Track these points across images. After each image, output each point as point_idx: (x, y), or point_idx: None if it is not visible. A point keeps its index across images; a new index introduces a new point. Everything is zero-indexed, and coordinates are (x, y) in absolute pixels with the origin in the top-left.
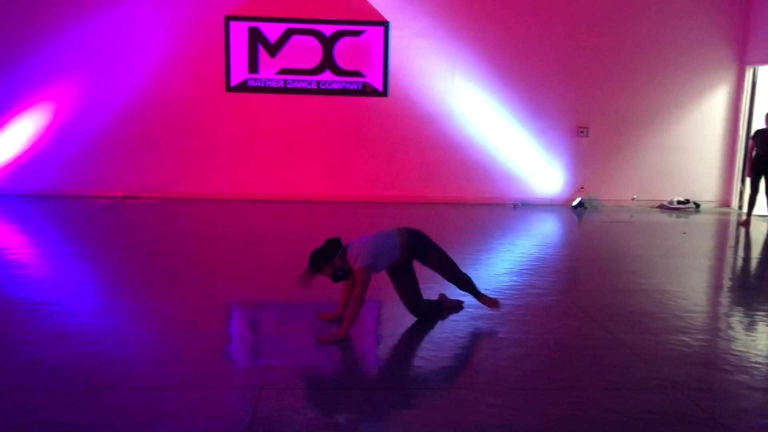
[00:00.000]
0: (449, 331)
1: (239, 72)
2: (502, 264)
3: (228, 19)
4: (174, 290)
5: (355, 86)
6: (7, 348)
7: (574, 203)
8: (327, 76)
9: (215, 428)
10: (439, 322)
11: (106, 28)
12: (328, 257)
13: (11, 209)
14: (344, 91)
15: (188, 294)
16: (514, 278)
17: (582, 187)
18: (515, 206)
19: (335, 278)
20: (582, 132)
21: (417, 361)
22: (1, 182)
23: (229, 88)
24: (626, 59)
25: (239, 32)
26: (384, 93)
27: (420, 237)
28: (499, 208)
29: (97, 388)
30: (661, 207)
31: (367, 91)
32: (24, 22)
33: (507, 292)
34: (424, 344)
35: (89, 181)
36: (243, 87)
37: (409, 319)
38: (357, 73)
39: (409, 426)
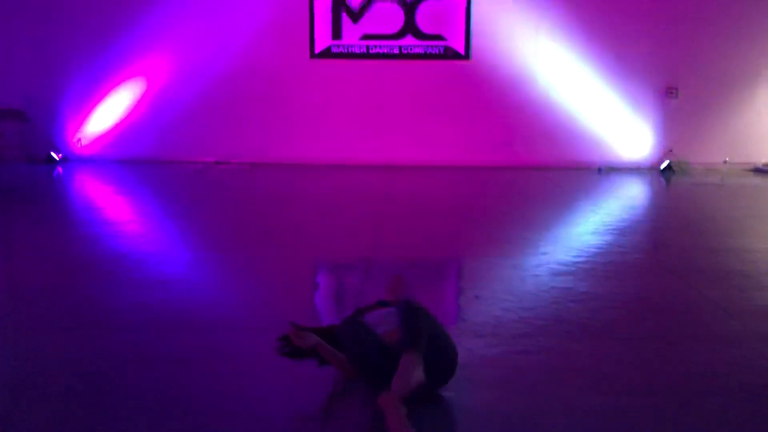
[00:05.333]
0: (529, 284)
1: (323, 39)
2: (587, 225)
3: None
4: (264, 246)
5: (436, 50)
6: (116, 293)
7: (662, 167)
8: (409, 40)
9: (307, 365)
10: (519, 277)
11: (197, 0)
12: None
13: (112, 174)
14: (426, 56)
15: (278, 250)
16: (599, 238)
17: (670, 150)
18: (600, 170)
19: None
20: (671, 93)
21: (497, 312)
22: (102, 149)
23: (314, 55)
24: (718, 16)
25: (323, 0)
26: (466, 56)
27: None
28: (583, 173)
29: (199, 328)
30: (755, 170)
31: (449, 55)
32: None
33: (591, 250)
34: (503, 296)
35: (183, 148)
36: (327, 54)
37: (487, 275)
38: (439, 37)
39: (492, 369)
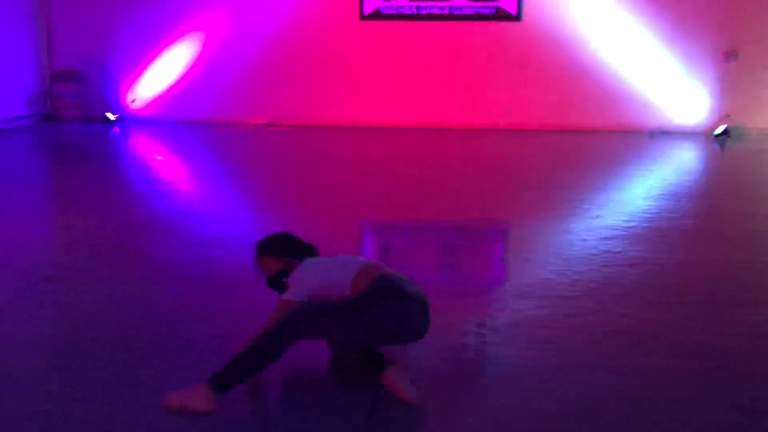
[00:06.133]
0: (579, 248)
1: (373, 0)
2: (638, 189)
3: None
4: (315, 207)
5: (488, 11)
6: (175, 249)
7: (717, 132)
8: (459, 1)
9: None
10: (569, 241)
11: None
12: (270, 250)
13: (166, 134)
14: (477, 17)
15: (327, 210)
16: (650, 202)
17: (727, 115)
18: (652, 135)
19: (268, 282)
20: (731, 55)
21: (547, 274)
22: (155, 110)
23: (363, 17)
24: None
25: None
26: (518, 17)
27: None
28: (635, 137)
29: (255, 284)
30: None
31: (500, 15)
32: None
33: (642, 215)
34: (553, 259)
35: (234, 109)
36: (376, 15)
37: (537, 238)
38: None
39: (540, 329)
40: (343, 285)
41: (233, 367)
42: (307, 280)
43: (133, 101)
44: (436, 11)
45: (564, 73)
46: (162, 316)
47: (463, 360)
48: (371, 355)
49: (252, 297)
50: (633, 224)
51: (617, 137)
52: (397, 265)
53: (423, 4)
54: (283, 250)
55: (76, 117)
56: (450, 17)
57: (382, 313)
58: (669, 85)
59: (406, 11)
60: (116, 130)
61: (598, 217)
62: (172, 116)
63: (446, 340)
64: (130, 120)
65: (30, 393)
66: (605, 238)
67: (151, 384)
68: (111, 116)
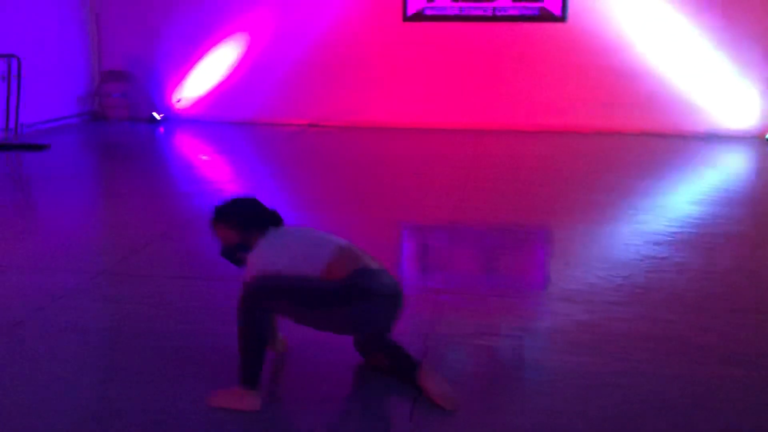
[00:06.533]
0: (624, 252)
1: (416, 1)
2: (686, 194)
3: None
4: (356, 207)
5: (532, 12)
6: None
7: None
8: (503, 2)
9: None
10: (614, 245)
11: None
12: (226, 218)
13: (211, 134)
14: (521, 18)
15: (369, 211)
16: (698, 208)
17: None
18: (702, 138)
19: (222, 251)
20: None
21: (592, 278)
22: (200, 110)
23: (406, 18)
24: None
25: None
26: (562, 18)
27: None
28: (684, 140)
29: None
30: None
31: (544, 16)
32: None
33: (689, 220)
34: (598, 263)
35: (277, 110)
36: (419, 17)
37: (582, 242)
38: None
39: (585, 334)
40: (314, 268)
41: (242, 361)
42: (270, 258)
43: (178, 101)
44: (479, 12)
45: (610, 74)
46: (205, 312)
47: (504, 363)
48: (399, 357)
49: None
50: (680, 230)
51: (664, 140)
52: (439, 266)
53: (466, 5)
54: (244, 222)
55: (123, 116)
56: (494, 18)
57: (354, 311)
58: (719, 88)
59: (449, 12)
60: (161, 129)
61: (643, 222)
62: (217, 116)
63: (487, 343)
64: (175, 120)
65: (75, 385)
66: (651, 243)
67: (194, 380)
68: (157, 116)
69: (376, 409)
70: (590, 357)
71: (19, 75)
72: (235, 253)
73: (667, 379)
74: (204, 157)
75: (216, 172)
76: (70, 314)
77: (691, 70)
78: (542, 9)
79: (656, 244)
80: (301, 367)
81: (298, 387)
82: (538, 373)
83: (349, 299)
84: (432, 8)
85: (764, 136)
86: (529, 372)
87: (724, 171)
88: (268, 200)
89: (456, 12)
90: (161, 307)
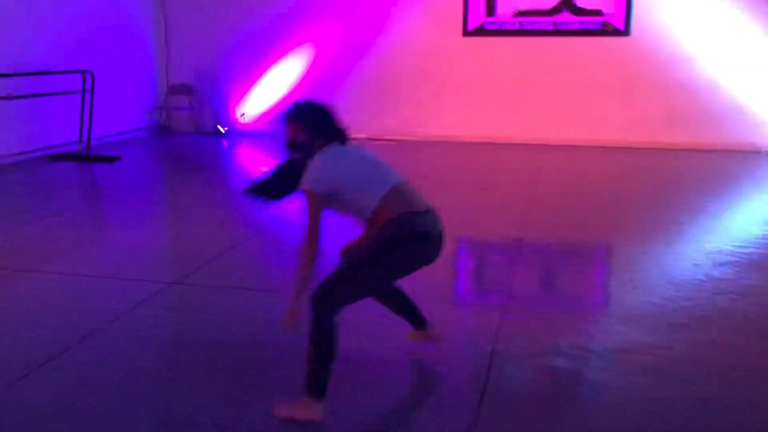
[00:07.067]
0: (689, 273)
1: (476, 16)
2: (752, 213)
3: None
4: None
5: (594, 26)
6: (280, 258)
7: None
8: (565, 16)
9: (464, 337)
10: (678, 265)
11: None
12: (301, 115)
13: (273, 148)
14: (583, 32)
15: None
16: (764, 228)
17: None
18: (762, 151)
19: (286, 145)
20: None
21: (655, 299)
22: (264, 124)
23: (466, 33)
24: None
25: None
26: (626, 32)
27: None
28: (749, 156)
29: None
30: None
31: (607, 30)
32: None
33: (757, 240)
34: (663, 283)
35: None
36: (480, 31)
37: (645, 261)
38: (597, 12)
39: (649, 356)
40: (373, 198)
41: (310, 371)
42: (331, 171)
43: (242, 115)
44: (540, 26)
45: (673, 89)
46: (271, 324)
47: (564, 384)
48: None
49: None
50: (747, 250)
51: (728, 157)
52: (502, 283)
53: (527, 19)
54: (316, 125)
55: (189, 129)
56: (555, 32)
57: (399, 257)
58: None
59: (510, 27)
60: (225, 142)
61: (708, 241)
62: (280, 130)
63: (548, 362)
64: (239, 133)
65: (147, 393)
66: (718, 264)
67: (259, 390)
68: (221, 129)
69: (443, 400)
70: (652, 380)
71: (92, 90)
72: (297, 151)
73: (731, 406)
74: (265, 170)
75: None
76: (142, 324)
77: (757, 83)
78: (605, 23)
79: (722, 264)
80: (361, 373)
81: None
82: (599, 395)
83: (393, 248)
84: (492, 23)
85: None
86: (589, 393)
87: None
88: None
89: (516, 26)
90: (229, 318)
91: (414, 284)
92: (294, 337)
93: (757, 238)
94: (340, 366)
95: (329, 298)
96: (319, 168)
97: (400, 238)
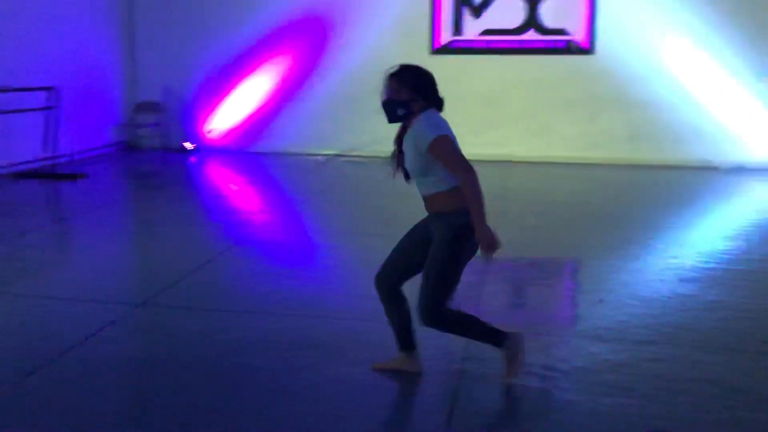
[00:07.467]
0: (655, 289)
1: (443, 34)
2: (715, 229)
3: None
4: (385, 238)
5: (559, 44)
6: (249, 279)
7: None
8: (531, 35)
9: (431, 357)
10: (644, 281)
11: None
12: (409, 76)
13: (241, 164)
14: (548, 50)
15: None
16: (728, 243)
17: None
18: (721, 168)
19: (385, 102)
20: None
21: (621, 316)
22: (231, 140)
23: (434, 51)
24: None
25: None
26: (590, 51)
27: None
28: (711, 172)
29: (325, 315)
30: None
31: (572, 49)
32: None
33: (720, 256)
34: (628, 300)
35: (306, 140)
36: (447, 49)
37: (611, 278)
38: (562, 32)
39: (615, 374)
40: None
41: (485, 338)
42: (450, 131)
43: (209, 131)
44: (506, 45)
45: (636, 106)
46: (244, 345)
47: (532, 403)
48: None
49: (322, 328)
50: (711, 266)
51: (689, 172)
52: (468, 302)
53: (494, 38)
54: (422, 88)
55: (156, 146)
56: (521, 51)
57: (469, 247)
58: (747, 118)
59: (476, 45)
60: (193, 159)
61: (673, 257)
62: (247, 147)
63: (519, 381)
64: (206, 150)
65: (115, 419)
66: (683, 280)
67: (231, 414)
68: (188, 146)
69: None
70: (620, 398)
71: (58, 106)
72: (396, 109)
73: (700, 423)
74: (233, 187)
75: (246, 201)
76: (110, 347)
77: (719, 101)
78: (570, 42)
79: (688, 281)
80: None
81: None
82: (568, 415)
83: (467, 238)
84: (459, 41)
85: None
86: (561, 412)
87: (754, 204)
88: (300, 230)
89: (483, 45)
90: (196, 341)
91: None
92: (263, 359)
93: (719, 254)
94: (304, 391)
95: (438, 309)
96: (441, 123)
97: (472, 228)
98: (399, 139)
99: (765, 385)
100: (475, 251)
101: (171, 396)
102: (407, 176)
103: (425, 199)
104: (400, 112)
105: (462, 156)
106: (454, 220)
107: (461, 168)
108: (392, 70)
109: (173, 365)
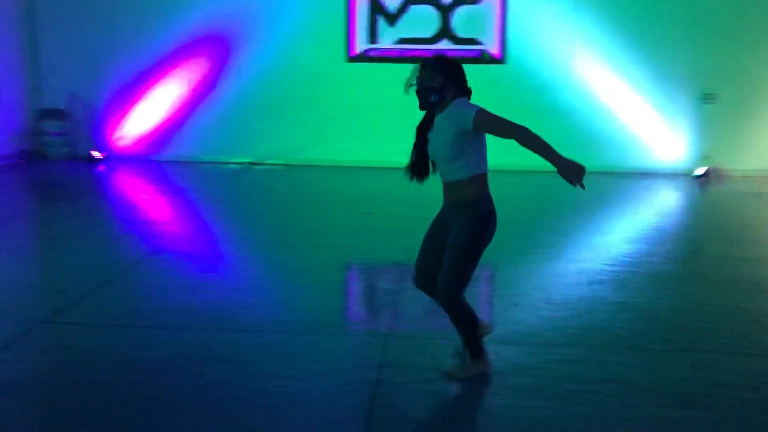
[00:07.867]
0: (565, 293)
1: (359, 43)
2: (621, 233)
3: None
4: (302, 248)
5: (473, 54)
6: (161, 293)
7: (698, 173)
8: (444, 44)
9: (348, 367)
10: (555, 285)
11: (235, 2)
12: (446, 65)
13: (152, 173)
14: (461, 60)
15: (315, 252)
16: (633, 246)
17: (707, 157)
18: (634, 175)
19: (418, 88)
20: (709, 98)
21: (533, 319)
22: (141, 148)
23: (349, 59)
24: (757, 22)
25: (360, 3)
26: (502, 61)
27: None
28: (617, 178)
29: (239, 328)
30: None
31: (484, 59)
32: None
33: (625, 258)
34: (540, 304)
35: (220, 148)
36: (362, 57)
37: (522, 282)
38: (474, 42)
39: (526, 377)
40: (484, 165)
41: (465, 339)
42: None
43: (119, 139)
44: (421, 54)
45: (546, 115)
46: (154, 362)
47: (447, 409)
48: None
49: (236, 343)
50: (617, 268)
51: (602, 178)
52: (387, 308)
53: (408, 47)
54: (457, 77)
55: (61, 155)
56: None
57: (491, 230)
58: (650, 127)
59: (391, 53)
60: (102, 168)
61: (580, 261)
62: (158, 154)
63: (432, 388)
64: (116, 158)
65: None
66: (590, 283)
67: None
68: (97, 154)
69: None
70: (531, 400)
71: None
72: (430, 96)
73: (612, 421)
74: (144, 197)
75: (158, 212)
76: (10, 368)
77: (623, 109)
78: (483, 51)
79: (595, 283)
80: None
81: None
82: (483, 418)
83: (488, 223)
84: (374, 49)
85: (692, 173)
86: (474, 417)
87: (655, 208)
88: (213, 241)
89: (396, 53)
90: (104, 358)
91: (302, 315)
92: (175, 376)
93: (623, 257)
94: (217, 408)
95: (456, 290)
96: (475, 104)
97: (493, 215)
98: (421, 129)
99: (664, 381)
100: (490, 239)
101: (79, 419)
102: (425, 169)
103: (449, 185)
104: (434, 98)
105: (506, 119)
106: (476, 208)
107: (514, 127)
108: (427, 60)
109: (80, 385)
